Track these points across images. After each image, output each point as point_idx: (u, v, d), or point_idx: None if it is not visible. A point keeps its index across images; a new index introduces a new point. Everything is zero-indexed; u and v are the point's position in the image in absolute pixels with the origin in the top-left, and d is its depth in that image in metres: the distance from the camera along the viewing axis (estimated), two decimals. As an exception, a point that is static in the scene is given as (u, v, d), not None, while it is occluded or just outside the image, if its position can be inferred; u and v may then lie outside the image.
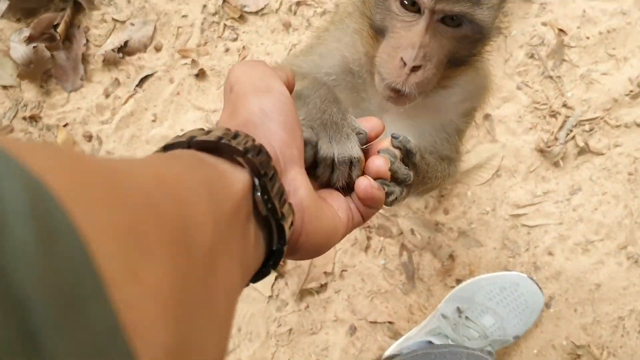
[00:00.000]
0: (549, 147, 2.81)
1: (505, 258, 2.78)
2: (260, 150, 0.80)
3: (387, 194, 0.98)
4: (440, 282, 2.79)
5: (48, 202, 0.40)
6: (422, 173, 1.19)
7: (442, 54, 1.21)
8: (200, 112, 3.07)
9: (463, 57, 1.28)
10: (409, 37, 1.17)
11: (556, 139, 2.82)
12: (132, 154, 3.08)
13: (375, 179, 0.96)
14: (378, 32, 1.27)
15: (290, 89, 0.99)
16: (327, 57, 1.41)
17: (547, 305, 2.71)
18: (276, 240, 0.81)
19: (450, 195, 2.85)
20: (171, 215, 0.55)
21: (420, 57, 1.16)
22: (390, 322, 2.77)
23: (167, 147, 0.79)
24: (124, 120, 3.12)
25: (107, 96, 3.16)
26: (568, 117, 2.83)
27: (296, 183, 0.86)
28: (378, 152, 1.02)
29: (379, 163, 0.96)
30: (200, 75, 3.09)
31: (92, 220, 0.42)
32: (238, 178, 0.76)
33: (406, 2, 1.18)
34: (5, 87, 3.20)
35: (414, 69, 1.18)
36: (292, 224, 0.83)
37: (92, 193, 0.45)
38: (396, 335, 2.74)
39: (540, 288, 2.62)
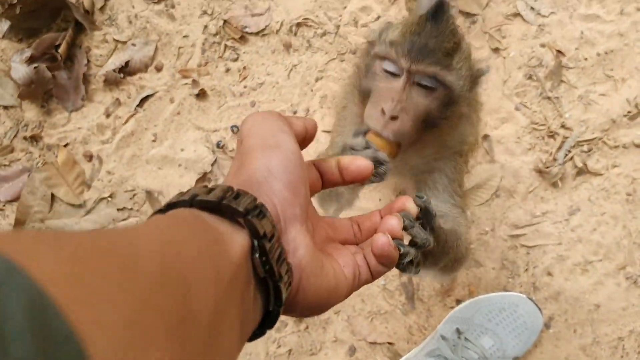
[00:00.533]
0: (547, 167, 2.85)
1: (504, 278, 2.82)
2: (261, 210, 0.82)
3: (402, 255, 1.00)
4: (440, 303, 2.82)
5: (48, 310, 0.43)
6: (442, 242, 1.27)
7: (417, 111, 1.42)
8: (200, 132, 3.12)
9: (436, 119, 1.47)
10: (389, 93, 1.41)
11: (555, 159, 2.87)
12: (132, 174, 3.13)
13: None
14: (365, 95, 1.49)
15: (309, 137, 1.01)
16: (336, 147, 1.60)
17: (547, 326, 2.74)
18: (273, 302, 0.84)
19: (449, 216, 2.89)
20: (174, 302, 0.58)
21: (398, 109, 1.38)
22: (390, 343, 2.80)
23: (170, 206, 0.82)
24: (124, 140, 3.17)
25: (108, 116, 3.21)
26: (566, 137, 2.87)
27: (296, 242, 0.87)
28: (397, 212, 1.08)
29: (392, 223, 0.98)
30: (201, 95, 3.15)
31: (91, 321, 0.46)
32: (238, 241, 0.79)
33: (387, 70, 1.44)
34: (6, 107, 3.25)
35: (393, 118, 1.38)
36: (290, 284, 0.85)
37: (92, 292, 0.48)
38: (396, 356, 2.78)
39: (539, 309, 2.65)
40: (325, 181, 1.05)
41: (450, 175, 1.66)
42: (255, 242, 0.80)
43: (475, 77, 1.53)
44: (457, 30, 1.50)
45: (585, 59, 2.93)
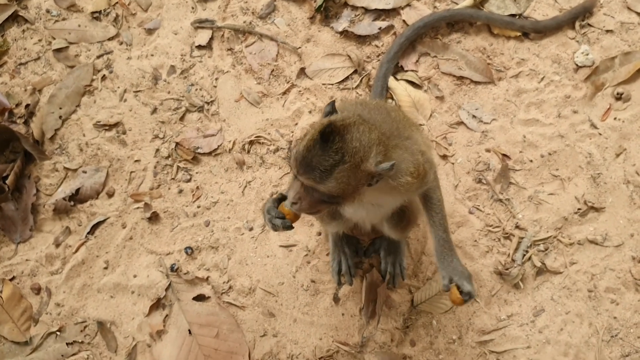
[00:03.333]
0: (507, 269, 3.02)
1: (477, 389, 2.88)
2: None
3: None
4: (413, 421, 2.84)
5: None
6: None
7: (311, 200, 2.13)
8: (153, 256, 3.23)
9: (332, 202, 2.14)
10: (294, 186, 2.15)
11: (513, 260, 3.05)
12: (83, 305, 3.18)
13: None
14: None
15: None
16: None
17: None
18: None
19: (415, 326, 2.99)
20: None
21: (296, 197, 2.14)
22: None
23: None
24: (74, 270, 3.25)
25: (58, 245, 3.30)
26: (522, 238, 3.08)
27: None
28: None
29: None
30: (153, 218, 3.30)
31: None
32: None
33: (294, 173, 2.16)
34: (-51, 243, 3.33)
35: (293, 203, 2.17)
36: None
37: None
38: None
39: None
40: None
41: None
42: None
43: (375, 176, 2.07)
44: (343, 147, 1.99)
45: (531, 161, 3.21)
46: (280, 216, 2.28)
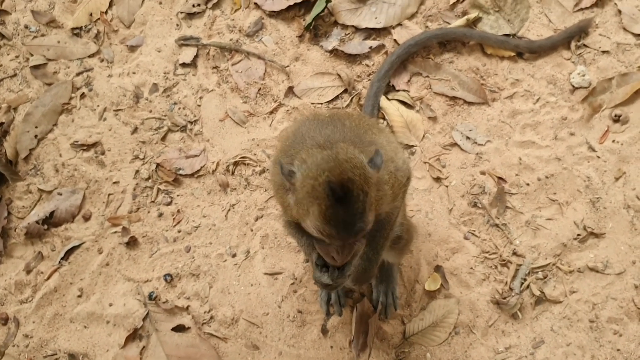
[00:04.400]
0: (504, 298, 2.84)
1: None
2: None
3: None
4: None
5: None
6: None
7: (355, 245, 1.97)
8: (130, 284, 3.02)
9: (369, 227, 1.92)
10: (339, 252, 1.95)
11: (511, 289, 2.87)
12: (53, 336, 2.95)
13: None
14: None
15: None
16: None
17: None
18: None
19: (408, 359, 2.79)
20: None
21: (347, 258, 1.99)
22: None
23: None
24: (46, 298, 3.03)
25: (29, 272, 3.08)
26: (520, 265, 2.90)
27: None
28: None
29: None
30: (132, 243, 3.09)
31: None
32: None
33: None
34: None
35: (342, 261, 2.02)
36: None
37: None
38: None
39: None
40: None
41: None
42: None
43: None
44: (356, 185, 1.78)
45: (527, 184, 3.05)
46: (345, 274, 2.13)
